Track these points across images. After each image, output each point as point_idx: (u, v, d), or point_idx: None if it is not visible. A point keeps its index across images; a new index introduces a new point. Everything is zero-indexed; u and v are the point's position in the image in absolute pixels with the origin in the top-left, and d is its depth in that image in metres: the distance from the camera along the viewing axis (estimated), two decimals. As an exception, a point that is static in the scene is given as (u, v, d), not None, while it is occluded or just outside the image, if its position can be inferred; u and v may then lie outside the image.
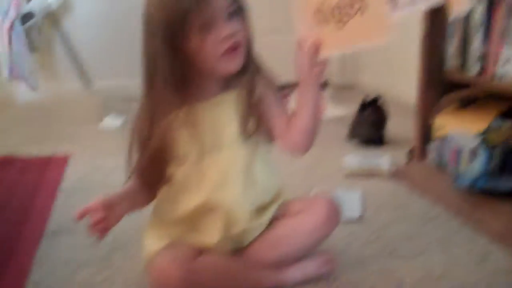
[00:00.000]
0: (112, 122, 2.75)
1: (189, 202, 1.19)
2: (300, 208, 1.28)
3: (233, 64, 1.13)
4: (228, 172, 1.18)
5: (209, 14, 1.07)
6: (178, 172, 1.19)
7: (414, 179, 1.85)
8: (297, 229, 1.24)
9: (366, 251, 1.40)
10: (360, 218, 1.59)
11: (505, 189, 1.55)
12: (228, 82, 1.19)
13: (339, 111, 2.97)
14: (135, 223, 1.55)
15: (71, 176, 2.01)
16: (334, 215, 1.27)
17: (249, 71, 1.17)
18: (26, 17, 2.82)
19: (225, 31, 1.09)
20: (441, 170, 1.80)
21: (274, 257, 1.23)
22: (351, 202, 1.69)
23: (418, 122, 1.90)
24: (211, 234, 1.20)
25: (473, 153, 1.69)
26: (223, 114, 1.18)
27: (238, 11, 1.12)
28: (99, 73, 3.21)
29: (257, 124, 1.19)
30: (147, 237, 1.25)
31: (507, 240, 1.40)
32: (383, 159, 2.08)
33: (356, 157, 2.11)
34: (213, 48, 1.09)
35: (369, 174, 1.96)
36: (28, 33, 2.80)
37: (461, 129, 1.74)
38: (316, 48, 1.09)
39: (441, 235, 1.48)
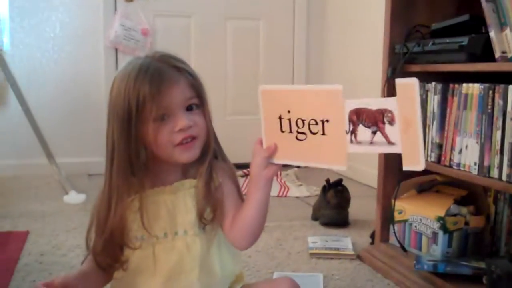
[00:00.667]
0: (74, 199, 2.72)
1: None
2: None
3: (188, 155, 1.13)
4: (183, 260, 1.15)
5: (165, 105, 1.08)
6: (133, 256, 1.15)
7: (376, 261, 1.86)
8: None
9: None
10: (323, 301, 1.59)
11: (465, 273, 1.58)
12: (187, 170, 1.18)
13: (304, 191, 3.00)
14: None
15: (31, 253, 1.96)
16: None
17: (207, 160, 1.17)
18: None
19: (180, 123, 1.10)
20: (402, 253, 1.82)
21: None
22: (314, 285, 1.69)
23: (379, 206, 1.93)
24: None
25: (433, 238, 1.73)
26: (179, 202, 1.17)
27: (197, 105, 1.14)
28: (61, 151, 3.20)
29: (214, 212, 1.16)
30: None
31: (468, 325, 1.41)
32: (346, 241, 2.10)
33: (320, 238, 2.13)
34: (168, 138, 1.10)
35: (332, 255, 1.96)
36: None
37: (421, 214, 1.78)
38: (271, 153, 1.11)
39: (404, 319, 1.48)
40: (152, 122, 1.08)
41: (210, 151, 1.18)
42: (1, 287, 1.64)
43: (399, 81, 0.96)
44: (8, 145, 3.37)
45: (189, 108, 1.12)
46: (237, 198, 1.20)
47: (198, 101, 1.13)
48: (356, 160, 3.25)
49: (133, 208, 1.13)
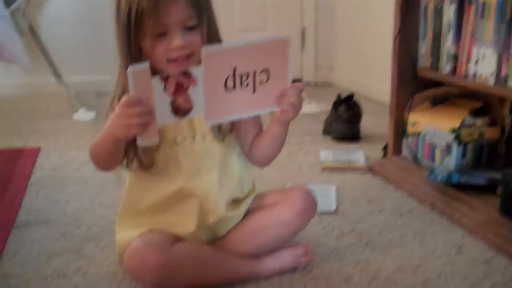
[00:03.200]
0: (83, 116, 2.71)
1: (163, 188, 1.18)
2: (276, 199, 1.27)
3: (179, 70, 1.09)
4: (203, 161, 1.18)
5: (163, 23, 1.08)
6: (158, 158, 1.17)
7: (388, 173, 1.86)
8: (273, 221, 1.24)
9: (342, 243, 1.40)
10: (336, 211, 1.59)
11: (479, 183, 1.57)
12: None
13: (314, 108, 2.97)
14: (105, 215, 1.54)
15: (42, 168, 1.97)
16: (310, 206, 1.26)
17: None
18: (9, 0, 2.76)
19: (175, 43, 1.09)
20: (415, 165, 1.81)
21: (251, 248, 1.23)
22: (327, 195, 1.69)
23: (392, 119, 1.91)
24: (186, 223, 1.19)
25: (447, 149, 1.71)
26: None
27: (197, 25, 1.12)
28: (71, 68, 3.17)
29: (231, 126, 1.20)
30: (119, 227, 1.23)
31: (481, 233, 1.41)
32: (358, 154, 2.09)
33: (331, 152, 2.12)
34: (163, 54, 1.10)
35: (344, 168, 1.96)
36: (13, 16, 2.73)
37: (435, 126, 1.75)
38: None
39: (417, 228, 1.49)
40: (149, 37, 1.09)
41: None
42: (15, 201, 1.65)
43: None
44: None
45: (188, 28, 1.11)
46: (255, 121, 1.23)
47: (197, 22, 1.11)
48: (368, 77, 3.21)
49: None
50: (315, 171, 1.96)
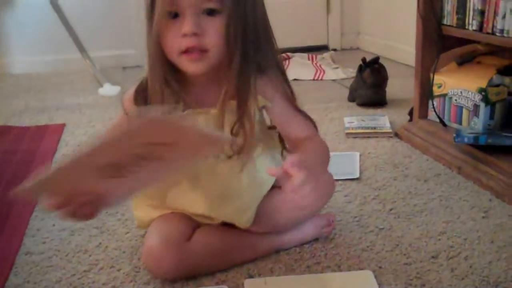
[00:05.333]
0: (109, 91, 2.71)
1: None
2: None
3: (193, 67, 1.00)
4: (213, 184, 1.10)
5: (174, 0, 0.95)
6: None
7: (414, 138, 1.81)
8: (292, 206, 1.12)
9: (365, 210, 1.37)
10: (360, 178, 1.56)
11: (507, 144, 1.52)
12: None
13: (340, 74, 2.92)
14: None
15: (68, 144, 1.98)
16: (331, 190, 1.23)
17: (233, 78, 1.02)
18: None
19: (186, 28, 0.95)
20: (442, 128, 1.75)
21: (268, 227, 1.16)
22: (351, 162, 1.66)
23: (417, 81, 1.85)
24: (201, 206, 1.13)
25: (474, 111, 1.66)
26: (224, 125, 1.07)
27: (220, 10, 0.97)
28: (96, 44, 3.17)
29: (244, 140, 1.05)
30: (136, 204, 1.21)
31: (509, 196, 1.36)
32: (383, 119, 2.04)
33: (356, 118, 2.08)
34: (173, 41, 0.98)
35: (369, 134, 1.92)
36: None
37: (461, 87, 1.69)
38: None
39: (442, 192, 1.45)
40: (161, 17, 0.96)
41: (236, 67, 1.01)
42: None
43: None
44: (44, 41, 3.33)
45: (207, 12, 0.96)
46: (292, 118, 1.11)
47: (219, 5, 0.96)
48: (395, 40, 3.13)
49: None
50: (340, 138, 1.92)
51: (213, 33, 0.97)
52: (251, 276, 1.10)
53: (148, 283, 1.09)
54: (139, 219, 1.20)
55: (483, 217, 1.30)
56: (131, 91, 1.10)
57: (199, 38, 0.96)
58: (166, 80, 1.03)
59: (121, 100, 1.12)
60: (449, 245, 1.18)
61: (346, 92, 2.47)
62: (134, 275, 1.12)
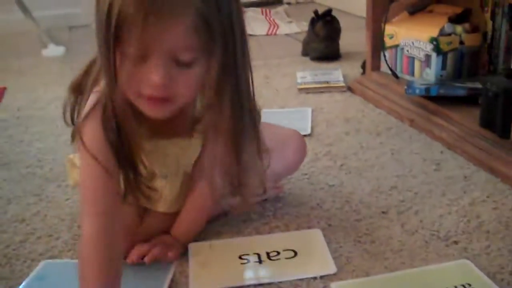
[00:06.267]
0: (53, 51, 2.59)
1: None
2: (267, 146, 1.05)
3: (153, 113, 0.84)
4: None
5: (147, 42, 0.75)
6: None
7: (367, 91, 1.77)
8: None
9: (316, 167, 1.33)
10: (311, 134, 1.52)
11: (459, 95, 1.49)
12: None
13: (294, 28, 2.85)
14: (70, 153, 1.46)
15: (7, 109, 1.88)
16: (302, 156, 1.20)
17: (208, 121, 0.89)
18: None
19: (154, 77, 0.77)
20: (394, 80, 1.72)
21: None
22: (302, 119, 1.62)
23: (369, 32, 1.80)
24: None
25: (426, 61, 1.62)
26: (189, 152, 0.99)
27: (193, 62, 0.79)
28: (38, 2, 3.02)
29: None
30: (71, 166, 1.14)
31: (461, 147, 1.34)
32: (336, 73, 2.00)
33: (308, 72, 2.03)
34: (135, 84, 0.79)
35: (322, 89, 1.87)
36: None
37: (413, 37, 1.65)
38: None
39: (394, 146, 1.42)
40: (126, 55, 0.77)
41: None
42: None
43: None
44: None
45: (179, 62, 0.78)
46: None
47: (194, 57, 0.78)
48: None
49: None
50: (292, 94, 1.87)
51: (184, 86, 0.80)
52: (197, 240, 1.05)
53: (87, 252, 1.04)
54: (75, 177, 1.12)
55: (435, 170, 1.28)
56: (92, 122, 0.86)
57: (167, 90, 0.79)
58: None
59: (76, 128, 0.88)
60: (399, 200, 1.16)
61: (299, 47, 2.41)
62: (73, 244, 1.06)
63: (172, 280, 0.94)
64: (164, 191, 1.00)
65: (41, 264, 1.01)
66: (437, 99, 1.51)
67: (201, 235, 1.06)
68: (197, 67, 0.80)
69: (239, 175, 0.92)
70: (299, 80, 1.95)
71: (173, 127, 0.94)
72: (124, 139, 0.86)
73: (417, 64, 1.66)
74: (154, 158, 0.96)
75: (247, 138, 0.90)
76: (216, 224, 1.10)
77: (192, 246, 1.02)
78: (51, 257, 1.03)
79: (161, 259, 0.97)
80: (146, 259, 0.96)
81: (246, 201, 0.98)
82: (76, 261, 0.97)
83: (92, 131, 0.85)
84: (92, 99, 0.86)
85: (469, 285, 0.87)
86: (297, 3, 3.59)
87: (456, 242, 0.99)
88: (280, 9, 3.20)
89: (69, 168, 1.15)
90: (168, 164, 0.98)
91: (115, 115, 0.84)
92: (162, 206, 1.02)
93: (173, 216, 1.04)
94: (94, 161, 0.84)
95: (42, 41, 2.70)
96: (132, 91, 0.81)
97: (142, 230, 1.02)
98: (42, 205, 1.22)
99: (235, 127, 0.87)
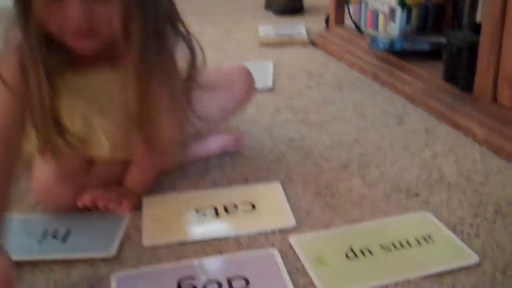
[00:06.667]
0: None
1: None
2: (214, 82, 1.08)
3: (81, 47, 0.83)
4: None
5: None
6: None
7: (330, 45, 1.74)
8: (210, 106, 1.06)
9: (277, 120, 1.30)
10: (273, 88, 1.48)
11: (423, 49, 1.47)
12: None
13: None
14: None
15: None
16: (250, 91, 1.15)
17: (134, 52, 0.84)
18: None
19: (71, 11, 0.77)
20: (358, 35, 1.68)
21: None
22: (264, 72, 1.57)
23: (334, -16, 1.76)
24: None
25: (391, 15, 1.59)
26: (104, 89, 0.93)
27: None
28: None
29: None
30: None
31: (423, 101, 1.32)
32: (299, 27, 1.96)
33: (271, 27, 1.98)
34: (57, 25, 0.79)
35: (285, 42, 1.83)
36: None
37: (379, -11, 1.61)
38: None
39: (357, 100, 1.39)
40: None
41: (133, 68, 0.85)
42: None
43: None
44: None
45: None
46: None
47: None
48: None
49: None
50: (254, 48, 1.83)
51: (103, 22, 0.80)
52: (152, 194, 1.01)
53: (35, 207, 0.99)
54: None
55: (397, 124, 1.26)
56: (9, 58, 0.83)
57: (88, 23, 0.79)
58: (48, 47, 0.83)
59: None
60: (361, 153, 1.13)
61: (262, 0, 2.35)
62: (21, 199, 1.01)
63: (124, 234, 0.89)
64: (98, 135, 0.94)
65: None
66: (401, 54, 1.48)
67: (156, 188, 1.02)
68: (117, 3, 0.78)
69: (147, 125, 0.90)
70: (261, 34, 1.91)
71: (99, 60, 0.90)
72: (42, 77, 0.83)
73: (381, 18, 1.62)
74: (82, 95, 0.91)
75: (156, 85, 0.87)
76: (172, 177, 1.06)
77: (146, 200, 0.98)
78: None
79: (115, 209, 0.94)
80: (99, 203, 0.92)
81: (162, 155, 0.97)
82: (23, 215, 0.94)
83: (9, 64, 0.82)
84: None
85: (429, 236, 0.85)
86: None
87: (417, 195, 0.98)
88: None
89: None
90: (99, 102, 0.92)
91: (32, 51, 0.81)
92: (102, 152, 0.95)
93: (123, 165, 1.00)
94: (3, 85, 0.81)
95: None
96: (55, 29, 0.80)
97: (91, 180, 0.97)
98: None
99: (142, 69, 0.85)
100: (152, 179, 1.02)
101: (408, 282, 0.75)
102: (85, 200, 0.93)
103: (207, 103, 1.08)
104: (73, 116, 0.91)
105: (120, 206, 0.95)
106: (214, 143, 1.14)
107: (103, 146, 0.95)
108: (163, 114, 0.90)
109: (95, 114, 0.93)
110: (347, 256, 0.81)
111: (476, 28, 1.24)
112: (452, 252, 0.82)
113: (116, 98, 0.91)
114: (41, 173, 0.95)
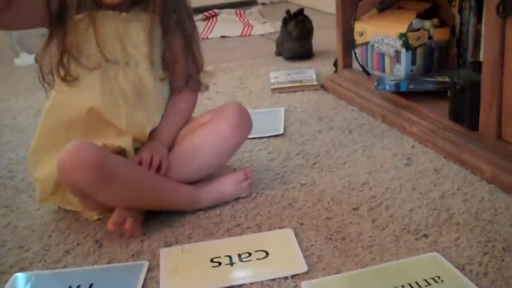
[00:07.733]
0: (25, 60, 2.57)
1: (80, 106, 1.11)
2: (210, 117, 1.21)
3: None
4: (139, 91, 1.14)
5: None
6: (82, 74, 1.10)
7: (340, 89, 1.78)
8: (210, 137, 1.17)
9: (288, 166, 1.33)
10: (284, 133, 1.52)
11: (429, 89, 1.50)
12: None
13: (268, 28, 2.86)
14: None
15: (-21, 120, 1.86)
16: (245, 118, 1.20)
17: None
18: None
19: None
20: (366, 77, 1.72)
21: (191, 171, 1.16)
22: (275, 118, 1.62)
23: (340, 30, 1.81)
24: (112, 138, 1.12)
25: (396, 57, 1.63)
26: (132, 32, 1.12)
27: None
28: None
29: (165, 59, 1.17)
30: (35, 164, 1.15)
31: (431, 141, 1.35)
32: (309, 72, 2.01)
33: (282, 72, 2.03)
34: None
35: (295, 88, 1.88)
36: None
37: (382, 33, 1.66)
38: None
39: (366, 142, 1.42)
40: None
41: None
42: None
43: None
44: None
45: None
46: (188, 68, 1.20)
47: None
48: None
49: (82, 26, 1.08)
50: (265, 94, 1.87)
51: None
52: (168, 245, 1.04)
53: (58, 262, 1.02)
54: (43, 177, 1.13)
55: (406, 165, 1.29)
56: None
57: None
58: None
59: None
60: (370, 196, 1.16)
61: (273, 47, 2.41)
62: (43, 254, 1.05)
63: (143, 286, 0.93)
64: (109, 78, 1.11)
65: (12, 278, 0.99)
66: (407, 94, 1.52)
67: (172, 239, 1.06)
68: None
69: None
70: (272, 80, 1.96)
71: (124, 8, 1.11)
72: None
73: (387, 60, 1.66)
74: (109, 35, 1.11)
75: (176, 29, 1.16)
76: (187, 227, 1.10)
77: (163, 251, 1.01)
78: (21, 269, 1.01)
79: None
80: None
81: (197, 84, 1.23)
82: (47, 271, 0.98)
83: None
84: None
85: (439, 277, 0.87)
86: (272, 3, 3.60)
87: (426, 236, 1.00)
88: (254, 9, 3.20)
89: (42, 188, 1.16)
90: (111, 41, 1.11)
91: None
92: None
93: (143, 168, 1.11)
94: None
95: (14, 50, 2.68)
96: None
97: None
98: (12, 216, 1.21)
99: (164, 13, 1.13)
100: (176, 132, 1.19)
101: (417, 324, 0.77)
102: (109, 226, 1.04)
103: (205, 138, 1.18)
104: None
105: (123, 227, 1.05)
106: (226, 184, 1.18)
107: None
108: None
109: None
110: (357, 300, 0.83)
111: (478, 67, 1.27)
112: (461, 292, 0.84)
113: (140, 42, 1.12)
114: (71, 143, 1.03)
